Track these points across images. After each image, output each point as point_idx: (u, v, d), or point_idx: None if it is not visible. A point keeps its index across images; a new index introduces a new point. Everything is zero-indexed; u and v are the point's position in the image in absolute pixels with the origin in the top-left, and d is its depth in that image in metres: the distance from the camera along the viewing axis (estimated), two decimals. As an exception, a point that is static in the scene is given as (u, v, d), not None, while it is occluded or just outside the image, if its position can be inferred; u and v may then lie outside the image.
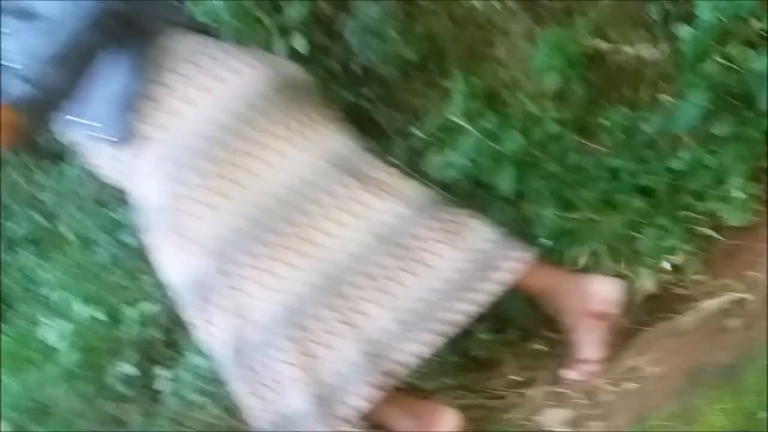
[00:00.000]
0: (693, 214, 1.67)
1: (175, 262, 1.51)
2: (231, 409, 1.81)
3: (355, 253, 1.50)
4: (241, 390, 1.50)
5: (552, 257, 1.78)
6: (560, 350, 1.82)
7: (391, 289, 1.50)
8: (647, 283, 1.65)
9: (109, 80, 1.48)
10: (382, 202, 1.55)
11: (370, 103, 2.42)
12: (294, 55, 2.42)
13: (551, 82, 1.90)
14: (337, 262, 1.49)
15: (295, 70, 1.70)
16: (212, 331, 1.51)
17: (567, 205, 1.82)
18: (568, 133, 1.92)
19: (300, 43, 2.37)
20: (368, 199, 1.54)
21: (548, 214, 1.85)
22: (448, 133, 2.10)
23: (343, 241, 1.50)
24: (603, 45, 1.89)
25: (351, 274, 1.49)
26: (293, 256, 1.47)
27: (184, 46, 1.57)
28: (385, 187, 1.57)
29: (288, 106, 1.55)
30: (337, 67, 2.45)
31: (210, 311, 1.50)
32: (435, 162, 2.11)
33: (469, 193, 2.12)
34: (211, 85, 1.49)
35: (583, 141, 1.88)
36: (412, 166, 2.22)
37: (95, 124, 1.50)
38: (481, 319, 1.87)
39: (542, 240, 1.81)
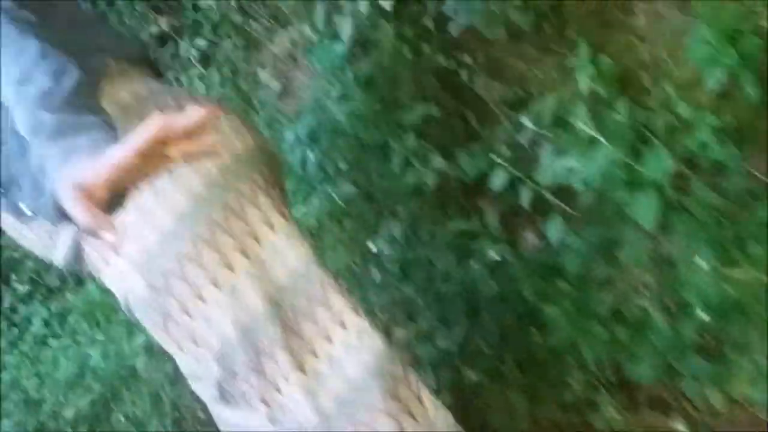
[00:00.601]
0: None
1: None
2: None
3: None
4: None
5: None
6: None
7: None
8: None
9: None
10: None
11: (470, 72, 1.99)
12: (379, 11, 2.00)
13: (714, 80, 1.41)
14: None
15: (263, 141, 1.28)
16: None
17: (730, 260, 1.38)
18: (732, 150, 1.45)
19: (387, -1, 1.95)
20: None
21: (703, 267, 1.42)
22: (569, 130, 1.66)
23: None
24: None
25: None
26: None
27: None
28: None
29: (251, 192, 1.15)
30: (430, 25, 2.02)
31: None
32: (551, 164, 1.70)
33: (593, 211, 1.71)
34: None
35: (752, 170, 1.41)
36: (520, 164, 1.82)
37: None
38: (608, 388, 1.53)
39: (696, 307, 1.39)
